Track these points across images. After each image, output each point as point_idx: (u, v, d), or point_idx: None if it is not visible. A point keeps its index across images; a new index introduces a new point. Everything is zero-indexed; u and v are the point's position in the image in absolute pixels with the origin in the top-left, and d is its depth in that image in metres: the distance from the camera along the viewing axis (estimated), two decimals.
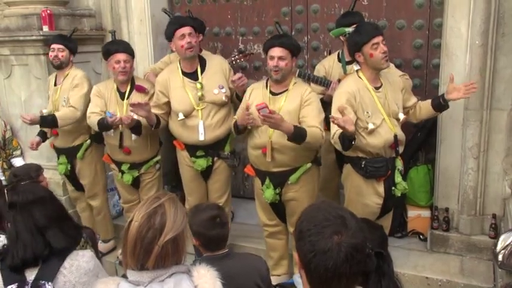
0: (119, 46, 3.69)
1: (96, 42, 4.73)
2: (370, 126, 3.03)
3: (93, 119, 3.67)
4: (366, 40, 2.97)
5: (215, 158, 3.64)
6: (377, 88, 3.09)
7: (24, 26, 4.29)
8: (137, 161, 3.83)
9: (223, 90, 3.50)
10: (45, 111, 4.06)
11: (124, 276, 1.54)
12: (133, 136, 3.67)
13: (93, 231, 2.64)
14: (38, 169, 3.22)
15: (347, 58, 3.57)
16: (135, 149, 3.75)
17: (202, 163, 3.60)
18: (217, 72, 3.55)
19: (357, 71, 3.13)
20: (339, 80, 3.50)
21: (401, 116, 3.13)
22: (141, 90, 3.71)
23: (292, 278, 1.56)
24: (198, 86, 3.48)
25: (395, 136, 3.09)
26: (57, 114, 3.83)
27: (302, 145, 3.07)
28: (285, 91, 3.20)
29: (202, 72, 3.54)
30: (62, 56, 3.93)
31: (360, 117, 3.04)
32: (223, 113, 3.55)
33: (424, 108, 3.25)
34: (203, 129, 3.49)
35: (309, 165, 3.28)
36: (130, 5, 4.60)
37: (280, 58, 3.10)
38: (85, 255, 1.93)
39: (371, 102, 3.05)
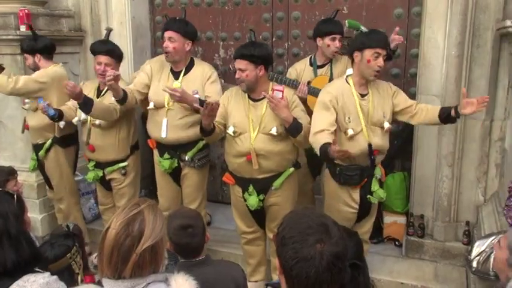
0: (103, 48, 3.66)
1: (74, 44, 4.67)
2: (350, 132, 3.06)
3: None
4: (373, 45, 2.97)
5: (181, 163, 3.63)
6: (363, 96, 3.11)
7: (0, 25, 4.20)
8: (101, 160, 3.81)
9: (197, 96, 3.45)
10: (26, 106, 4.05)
11: (99, 283, 1.52)
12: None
13: (79, 229, 2.56)
14: (9, 173, 3.07)
15: (318, 62, 3.67)
16: (100, 148, 3.75)
17: (166, 164, 3.61)
18: (197, 77, 3.54)
19: (347, 76, 3.14)
20: (309, 82, 3.58)
21: (387, 125, 3.14)
22: None
23: (278, 278, 1.56)
24: (177, 85, 3.47)
25: (370, 145, 3.10)
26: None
27: (297, 140, 3.08)
28: (264, 97, 3.17)
29: (185, 74, 3.55)
30: (27, 64, 3.94)
31: (340, 121, 3.07)
32: (193, 118, 3.49)
33: (430, 115, 3.12)
34: (166, 127, 3.52)
35: (291, 169, 3.29)
36: (111, 7, 4.56)
37: (240, 70, 3.09)
38: (36, 282, 1.69)
39: (353, 109, 3.07)
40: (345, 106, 3.06)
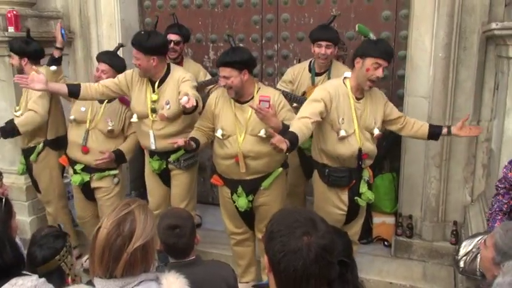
0: (104, 57, 3.75)
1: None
2: (342, 133, 3.07)
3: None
4: (375, 55, 2.98)
5: (170, 165, 3.61)
6: (358, 99, 3.14)
7: None
8: (93, 165, 3.73)
9: (168, 107, 3.39)
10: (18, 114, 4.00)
11: (90, 283, 1.52)
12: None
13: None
14: None
15: (317, 70, 3.67)
16: (95, 152, 3.69)
17: (155, 165, 3.60)
18: (172, 86, 3.43)
19: (344, 78, 3.16)
20: (304, 93, 3.61)
21: (376, 132, 3.17)
22: (125, 102, 3.72)
23: (268, 279, 1.56)
24: (153, 97, 3.44)
25: (360, 150, 3.13)
26: (16, 121, 3.80)
27: None
28: (250, 99, 3.20)
29: (161, 84, 3.46)
30: (11, 64, 3.91)
31: (333, 121, 3.08)
32: (175, 127, 3.46)
33: (419, 131, 3.24)
34: (153, 138, 3.49)
35: (280, 169, 3.32)
36: (100, 8, 4.55)
37: (225, 77, 3.10)
38: (24, 285, 1.73)
39: (348, 111, 3.09)
40: (339, 106, 3.07)
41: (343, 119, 3.08)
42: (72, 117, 3.77)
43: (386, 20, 4.03)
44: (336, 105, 3.06)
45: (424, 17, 3.58)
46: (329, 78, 3.61)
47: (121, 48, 4.03)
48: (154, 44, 3.34)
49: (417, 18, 3.61)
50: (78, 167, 3.79)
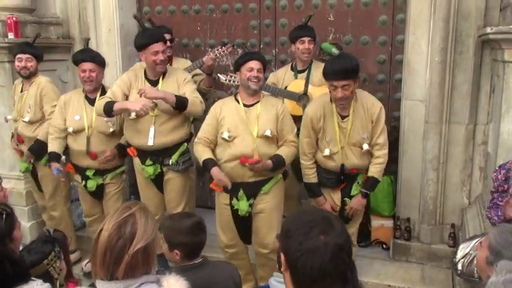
0: (85, 56, 3.70)
1: (63, 51, 4.68)
2: (326, 152, 3.24)
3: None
4: (328, 78, 3.09)
5: (164, 168, 3.62)
6: (343, 117, 3.20)
7: None
8: (102, 167, 3.78)
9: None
10: (9, 117, 4.02)
11: (92, 286, 1.54)
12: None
13: (64, 235, 2.58)
14: None
15: (299, 68, 3.85)
16: (102, 154, 3.72)
17: (150, 170, 3.60)
18: (173, 82, 3.54)
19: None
20: (286, 87, 3.79)
21: (365, 147, 3.22)
22: None
23: (268, 282, 1.58)
24: None
25: (342, 166, 3.25)
26: (41, 138, 3.90)
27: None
28: (257, 102, 3.28)
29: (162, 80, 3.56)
30: (31, 66, 3.90)
31: (320, 138, 3.27)
32: (175, 122, 3.53)
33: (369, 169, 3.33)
34: (153, 134, 3.50)
35: (280, 176, 3.36)
36: (99, 14, 4.58)
37: (258, 70, 3.22)
38: None
39: (332, 131, 3.22)
40: (324, 127, 3.23)
41: (326, 138, 3.24)
42: (70, 129, 3.72)
43: (383, 25, 4.06)
44: (321, 125, 3.23)
45: (420, 22, 3.62)
46: (309, 75, 3.77)
47: (119, 51, 4.05)
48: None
49: (413, 22, 3.65)
50: (89, 173, 3.81)
